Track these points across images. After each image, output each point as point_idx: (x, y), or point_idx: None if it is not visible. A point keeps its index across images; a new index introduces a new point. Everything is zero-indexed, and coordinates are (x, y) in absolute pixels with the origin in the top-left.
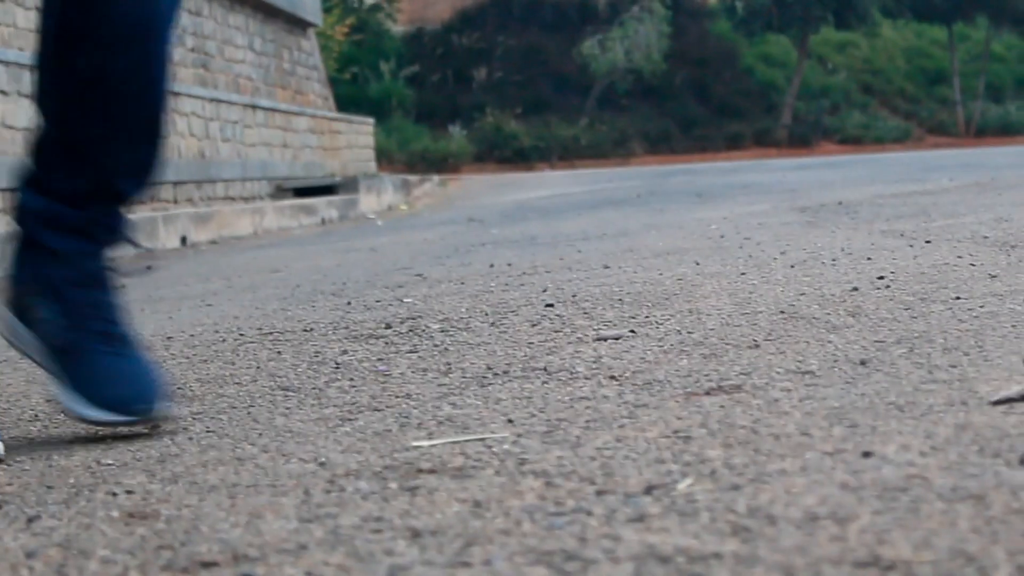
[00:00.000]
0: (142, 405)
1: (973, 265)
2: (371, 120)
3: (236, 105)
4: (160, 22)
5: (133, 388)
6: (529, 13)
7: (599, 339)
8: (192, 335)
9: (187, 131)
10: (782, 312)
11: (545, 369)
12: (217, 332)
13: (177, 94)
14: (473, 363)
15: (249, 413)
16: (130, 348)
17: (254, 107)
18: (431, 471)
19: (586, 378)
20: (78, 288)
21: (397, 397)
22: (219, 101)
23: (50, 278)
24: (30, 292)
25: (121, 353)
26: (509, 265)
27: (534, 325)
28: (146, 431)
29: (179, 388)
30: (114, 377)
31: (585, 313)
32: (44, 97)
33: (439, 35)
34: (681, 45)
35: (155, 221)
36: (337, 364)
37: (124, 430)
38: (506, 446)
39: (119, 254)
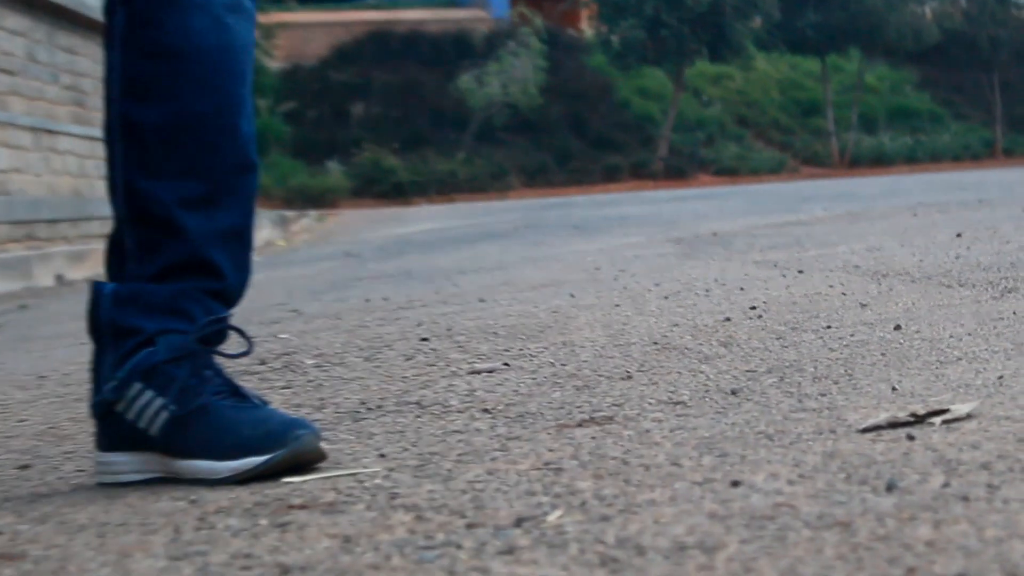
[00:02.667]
0: (278, 439)
1: (844, 294)
2: None
3: None
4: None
5: (258, 428)
6: (406, 48)
7: (473, 372)
8: (66, 373)
9: (63, 169)
10: (655, 343)
11: (419, 403)
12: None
13: (53, 132)
14: (347, 398)
15: None
16: (243, 401)
17: None
18: (302, 507)
19: (459, 411)
20: (176, 365)
21: None
22: (95, 139)
23: (146, 363)
24: (128, 385)
25: (235, 406)
26: (385, 299)
27: (408, 359)
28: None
29: (51, 427)
30: (233, 426)
31: (460, 347)
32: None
33: (316, 71)
34: (557, 79)
35: (29, 260)
36: None
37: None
38: (378, 480)
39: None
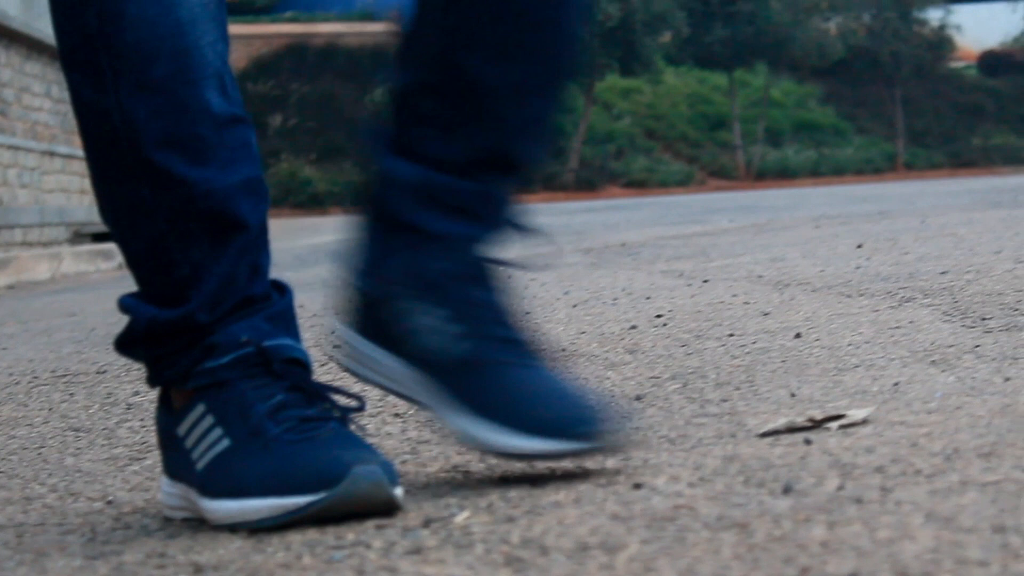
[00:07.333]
0: (587, 428)
1: (747, 303)
2: None
3: (34, 152)
4: None
5: (568, 406)
6: (323, 61)
7: None
8: None
9: None
10: (563, 350)
11: None
12: (11, 375)
13: None
14: None
15: (39, 454)
16: (541, 359)
17: (52, 154)
18: None
19: (371, 416)
20: (467, 284)
21: None
22: (16, 148)
23: (430, 272)
24: (400, 295)
25: (535, 365)
26: (301, 307)
27: (322, 366)
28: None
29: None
30: (539, 394)
31: None
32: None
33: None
34: None
35: None
36: (129, 405)
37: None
38: None
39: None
